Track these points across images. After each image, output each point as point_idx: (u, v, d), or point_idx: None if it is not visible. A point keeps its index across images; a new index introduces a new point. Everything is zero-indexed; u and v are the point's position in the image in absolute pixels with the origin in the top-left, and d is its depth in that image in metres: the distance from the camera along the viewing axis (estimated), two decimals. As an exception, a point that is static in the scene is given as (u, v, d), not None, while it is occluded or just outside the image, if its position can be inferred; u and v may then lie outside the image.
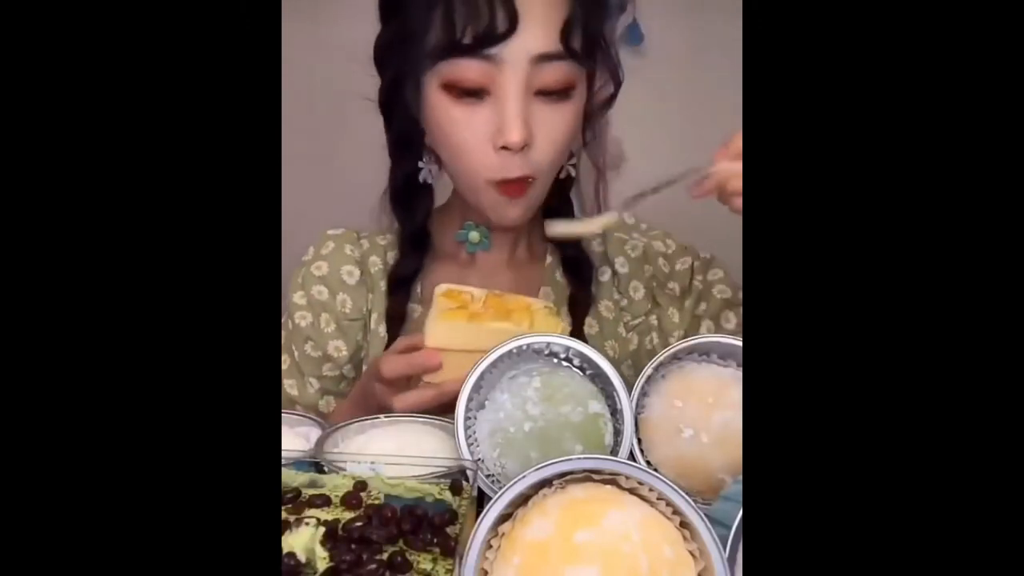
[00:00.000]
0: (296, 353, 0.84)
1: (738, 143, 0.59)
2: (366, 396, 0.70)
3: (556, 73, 0.69)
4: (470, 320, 0.65)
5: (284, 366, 0.85)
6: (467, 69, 0.68)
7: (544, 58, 0.68)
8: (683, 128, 1.64)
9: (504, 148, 0.69)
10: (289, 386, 0.84)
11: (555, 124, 0.71)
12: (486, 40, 0.66)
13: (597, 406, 0.55)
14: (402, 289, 0.83)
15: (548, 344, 0.57)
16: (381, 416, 0.62)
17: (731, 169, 0.58)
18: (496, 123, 0.69)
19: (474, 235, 0.83)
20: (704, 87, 1.60)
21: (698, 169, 0.60)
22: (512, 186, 0.72)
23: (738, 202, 0.59)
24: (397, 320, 0.82)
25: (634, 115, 1.65)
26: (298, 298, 0.83)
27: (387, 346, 0.82)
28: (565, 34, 0.68)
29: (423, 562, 0.41)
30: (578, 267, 0.85)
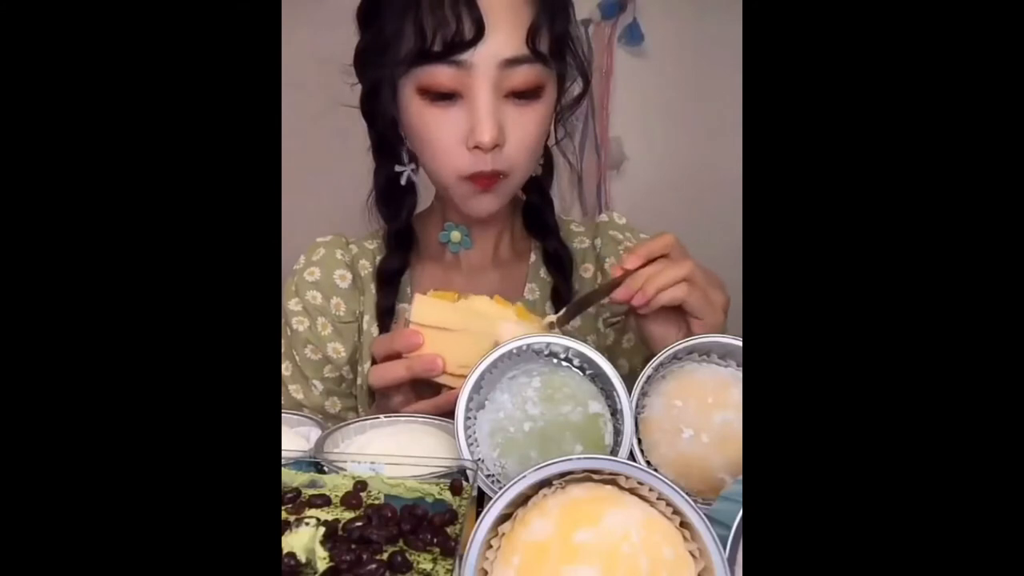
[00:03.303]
0: (297, 358, 0.86)
1: (644, 249, 0.64)
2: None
3: (525, 76, 0.71)
4: (456, 300, 0.67)
5: (287, 372, 0.86)
6: (439, 75, 0.70)
7: (512, 62, 0.70)
8: (683, 128, 1.64)
9: (476, 148, 0.72)
10: (295, 390, 0.86)
11: (526, 124, 0.73)
12: (455, 47, 0.68)
13: (597, 406, 0.55)
14: (390, 284, 0.85)
15: (548, 344, 0.57)
16: (381, 416, 0.63)
17: (643, 275, 0.63)
18: (469, 124, 0.71)
19: (455, 235, 0.85)
20: (704, 87, 1.60)
21: (616, 281, 0.65)
22: (483, 180, 0.74)
23: (666, 296, 0.63)
24: (387, 315, 0.85)
25: (634, 115, 1.65)
26: (293, 304, 0.86)
27: None
28: (531, 38, 0.70)
29: (423, 562, 0.41)
30: (559, 262, 0.88)
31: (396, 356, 0.67)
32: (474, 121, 0.71)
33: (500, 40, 0.69)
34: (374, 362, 0.69)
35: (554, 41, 0.74)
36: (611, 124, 1.66)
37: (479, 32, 0.68)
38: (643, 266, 0.64)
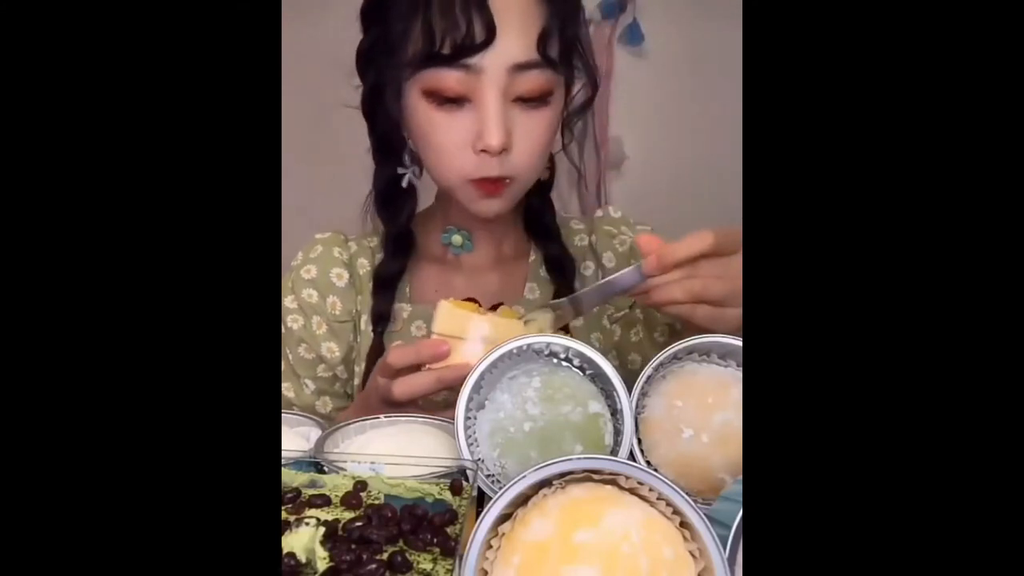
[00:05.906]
0: (290, 356, 0.85)
1: (672, 254, 0.59)
2: (367, 396, 0.71)
3: (533, 81, 0.71)
4: (477, 311, 0.66)
5: None
6: (447, 78, 0.69)
7: (521, 67, 0.69)
8: (683, 128, 1.64)
9: (483, 152, 0.71)
10: (285, 388, 0.86)
11: (533, 129, 0.73)
12: (464, 50, 0.67)
13: (597, 406, 0.55)
14: (387, 289, 0.84)
15: (548, 344, 0.57)
16: (381, 416, 0.63)
17: (662, 283, 0.60)
18: (476, 128, 0.71)
19: (456, 238, 0.85)
20: (704, 87, 1.60)
21: (638, 280, 0.62)
22: (489, 185, 0.74)
23: (673, 310, 0.61)
24: (383, 320, 0.84)
25: (634, 115, 1.66)
26: (289, 302, 0.85)
27: (374, 346, 0.83)
28: (541, 43, 0.70)
29: (423, 562, 0.41)
30: (561, 264, 0.87)
31: (418, 367, 0.65)
32: (482, 126, 0.70)
33: (510, 44, 0.68)
34: (390, 373, 0.65)
35: (564, 45, 0.73)
36: (611, 124, 1.66)
37: (490, 36, 0.67)
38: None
